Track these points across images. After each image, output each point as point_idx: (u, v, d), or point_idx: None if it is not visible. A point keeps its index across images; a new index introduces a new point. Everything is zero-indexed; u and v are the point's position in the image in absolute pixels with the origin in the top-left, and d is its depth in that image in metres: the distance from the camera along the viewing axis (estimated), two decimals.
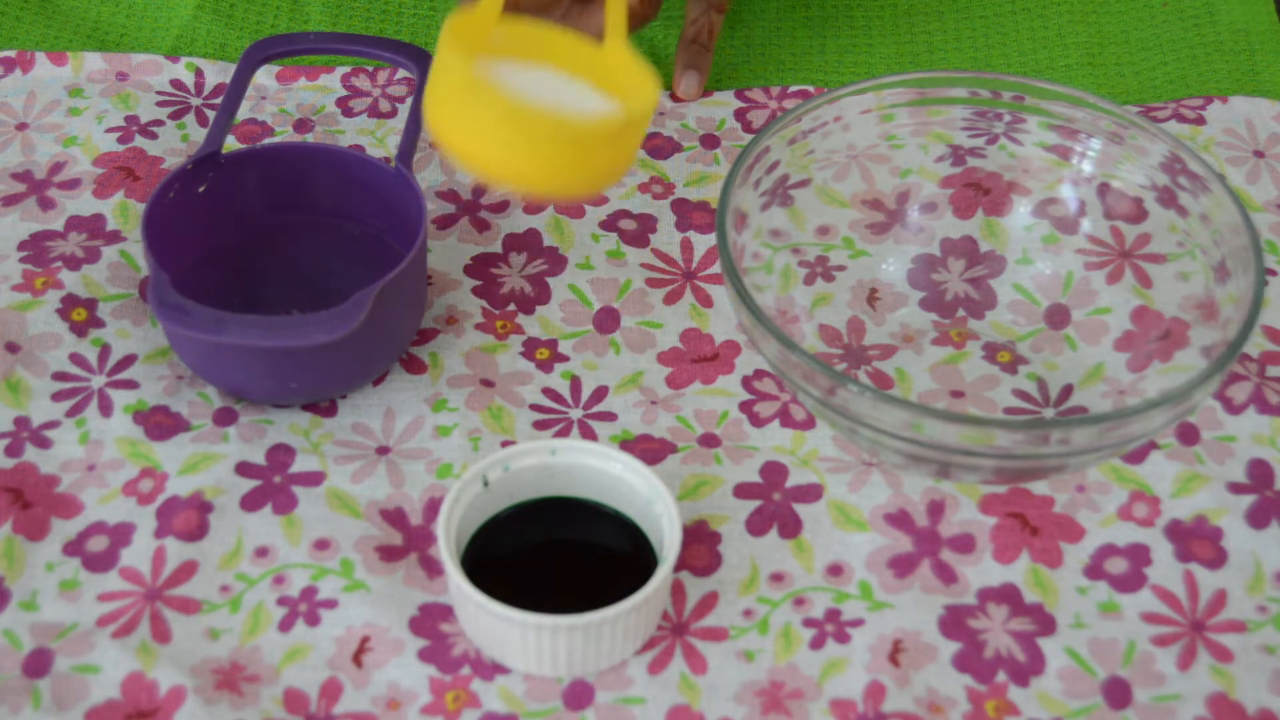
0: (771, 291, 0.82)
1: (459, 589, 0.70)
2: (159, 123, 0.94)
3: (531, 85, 0.74)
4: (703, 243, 0.89)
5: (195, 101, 0.96)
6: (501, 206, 0.90)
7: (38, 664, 0.72)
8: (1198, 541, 0.77)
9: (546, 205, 0.90)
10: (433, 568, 0.75)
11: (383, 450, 0.80)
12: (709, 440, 0.80)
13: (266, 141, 0.94)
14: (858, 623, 0.74)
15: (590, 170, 0.71)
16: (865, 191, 0.86)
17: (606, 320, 0.85)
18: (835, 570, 0.76)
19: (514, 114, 0.69)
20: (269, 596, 0.74)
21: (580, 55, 0.76)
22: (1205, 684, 0.72)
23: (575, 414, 0.81)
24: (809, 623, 0.74)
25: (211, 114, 0.95)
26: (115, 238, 0.88)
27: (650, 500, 0.74)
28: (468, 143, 0.70)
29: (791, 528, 0.77)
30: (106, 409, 0.80)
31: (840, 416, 0.74)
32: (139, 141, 0.93)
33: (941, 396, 0.82)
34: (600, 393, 0.82)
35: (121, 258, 0.87)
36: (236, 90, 0.86)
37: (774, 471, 0.79)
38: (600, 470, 0.75)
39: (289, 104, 0.96)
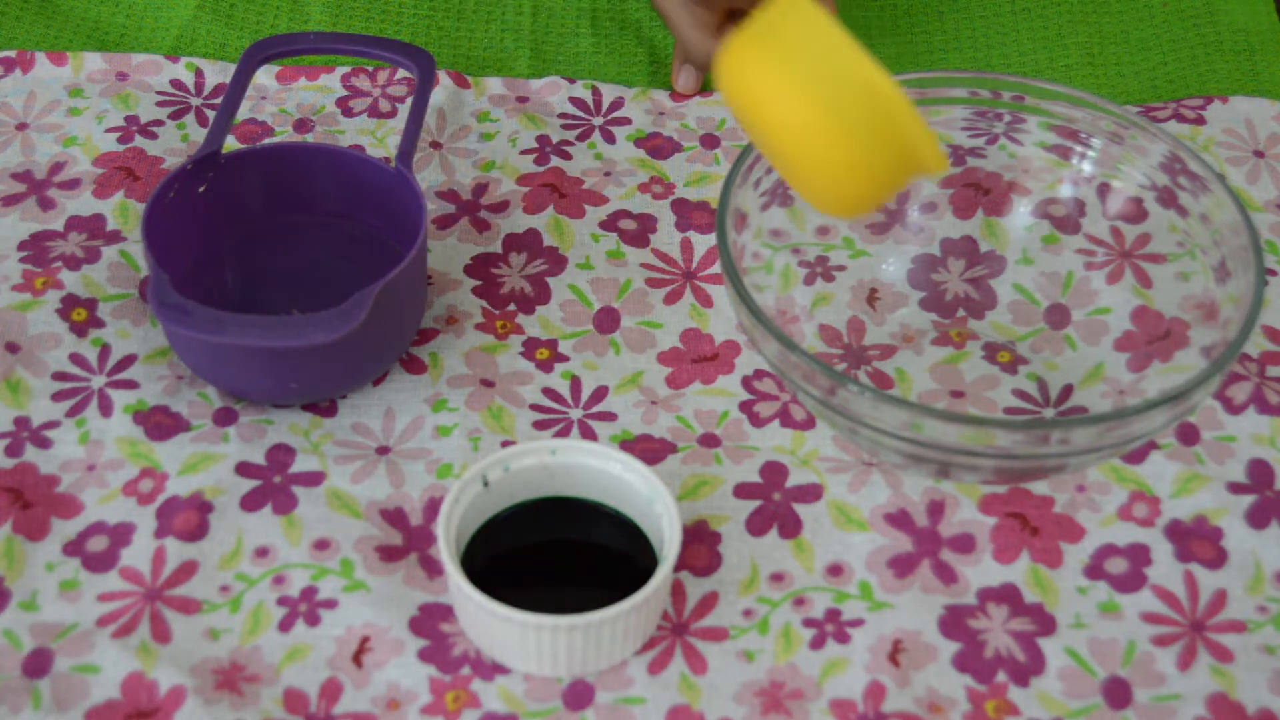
0: (771, 291, 0.82)
1: (459, 589, 0.70)
2: (159, 123, 0.94)
3: None
4: (703, 243, 0.89)
5: (195, 101, 0.96)
6: (501, 206, 0.90)
7: (38, 664, 0.72)
8: (1198, 541, 0.77)
9: (546, 206, 0.90)
10: (433, 568, 0.75)
11: (383, 450, 0.80)
12: (709, 440, 0.80)
13: (266, 141, 0.94)
14: (858, 623, 0.74)
15: (874, 183, 0.68)
16: None
17: (606, 320, 0.85)
18: (835, 570, 0.76)
19: (866, 82, 0.65)
20: (269, 596, 0.74)
21: None
22: (1205, 684, 0.72)
23: (575, 414, 0.81)
24: (809, 623, 0.74)
25: (211, 114, 0.95)
26: (115, 238, 0.88)
27: (650, 500, 0.74)
28: (785, 94, 0.67)
29: (791, 528, 0.77)
30: (106, 409, 0.80)
31: (840, 416, 0.74)
32: (139, 141, 0.93)
33: (941, 396, 0.82)
34: (600, 393, 0.82)
35: (121, 258, 0.87)
36: (236, 90, 0.86)
37: (774, 471, 0.79)
38: (600, 470, 0.75)
39: (289, 104, 0.96)
